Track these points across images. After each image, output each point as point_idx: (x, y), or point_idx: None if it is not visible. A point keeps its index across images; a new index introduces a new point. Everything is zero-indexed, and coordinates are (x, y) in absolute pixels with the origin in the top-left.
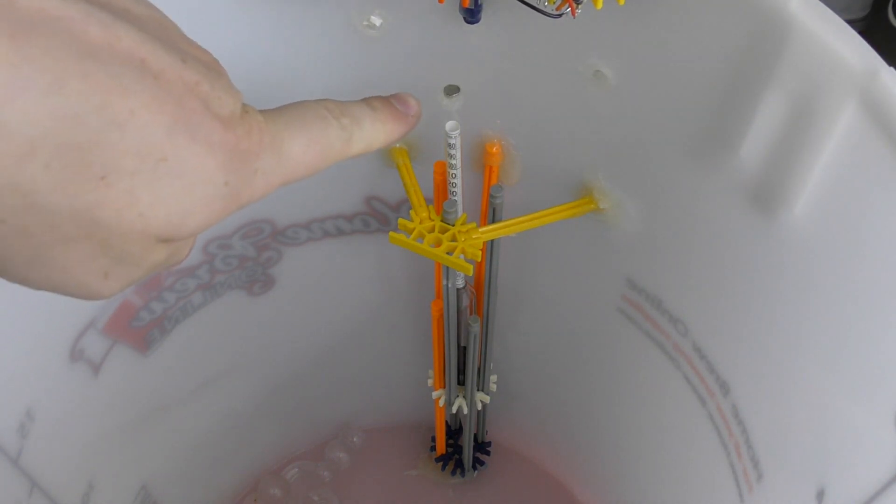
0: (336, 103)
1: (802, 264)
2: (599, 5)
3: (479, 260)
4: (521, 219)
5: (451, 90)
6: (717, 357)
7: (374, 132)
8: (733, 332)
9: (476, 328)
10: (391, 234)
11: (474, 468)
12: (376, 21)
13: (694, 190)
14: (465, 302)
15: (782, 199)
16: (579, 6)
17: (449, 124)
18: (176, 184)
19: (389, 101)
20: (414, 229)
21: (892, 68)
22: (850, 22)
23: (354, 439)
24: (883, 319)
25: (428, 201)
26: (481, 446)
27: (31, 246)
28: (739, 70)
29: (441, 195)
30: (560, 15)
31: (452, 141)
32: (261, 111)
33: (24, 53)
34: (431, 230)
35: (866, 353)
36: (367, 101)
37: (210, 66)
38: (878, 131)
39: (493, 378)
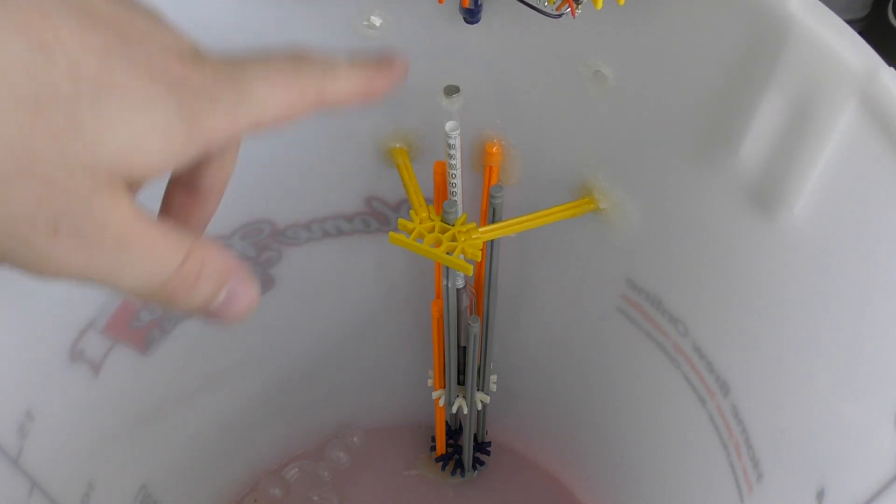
0: (308, 49)
1: (802, 264)
2: (599, 5)
3: (479, 260)
4: (521, 219)
5: (451, 90)
6: (717, 357)
7: (350, 82)
8: (733, 332)
9: (476, 328)
10: (391, 234)
11: (474, 468)
12: (376, 21)
13: (694, 190)
14: (465, 302)
15: (782, 199)
16: (579, 6)
17: (449, 124)
18: (121, 108)
19: (372, 55)
20: (414, 229)
21: (892, 68)
22: (850, 22)
23: (354, 439)
24: (883, 319)
25: (428, 201)
26: (481, 446)
27: None
28: (739, 70)
29: (441, 195)
30: (560, 15)
31: (452, 141)
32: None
33: None
34: (431, 230)
35: (866, 353)
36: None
37: (153, 18)
38: (878, 131)
39: (493, 378)
